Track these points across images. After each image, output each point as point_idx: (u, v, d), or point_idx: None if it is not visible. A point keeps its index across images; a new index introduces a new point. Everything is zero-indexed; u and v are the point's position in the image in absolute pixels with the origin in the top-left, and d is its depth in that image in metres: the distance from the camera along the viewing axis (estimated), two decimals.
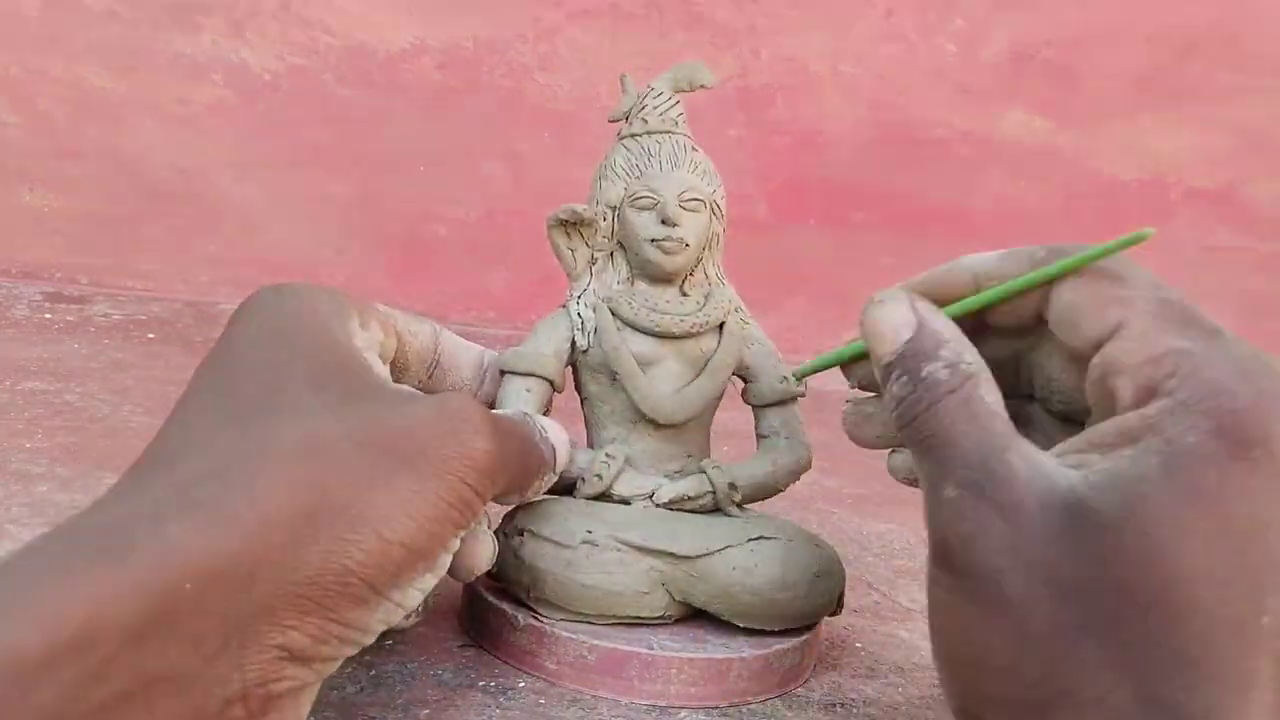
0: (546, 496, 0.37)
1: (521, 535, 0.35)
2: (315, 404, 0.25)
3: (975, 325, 0.29)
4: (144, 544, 0.20)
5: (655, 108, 0.39)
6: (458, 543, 0.26)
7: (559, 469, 0.32)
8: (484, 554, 0.30)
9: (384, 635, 0.36)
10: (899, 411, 0.26)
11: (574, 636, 0.33)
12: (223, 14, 1.04)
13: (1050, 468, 0.24)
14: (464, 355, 0.36)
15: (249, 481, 0.22)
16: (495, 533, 0.36)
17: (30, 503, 0.45)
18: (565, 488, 0.37)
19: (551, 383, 0.38)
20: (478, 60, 1.07)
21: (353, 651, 0.25)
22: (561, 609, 0.34)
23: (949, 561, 0.24)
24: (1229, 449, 0.22)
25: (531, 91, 1.08)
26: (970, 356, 0.26)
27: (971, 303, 0.28)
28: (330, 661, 0.24)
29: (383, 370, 0.28)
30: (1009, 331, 0.29)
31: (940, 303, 0.28)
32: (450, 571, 0.29)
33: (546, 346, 0.38)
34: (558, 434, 0.32)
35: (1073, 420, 0.28)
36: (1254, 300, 1.16)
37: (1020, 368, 0.31)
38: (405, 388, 0.28)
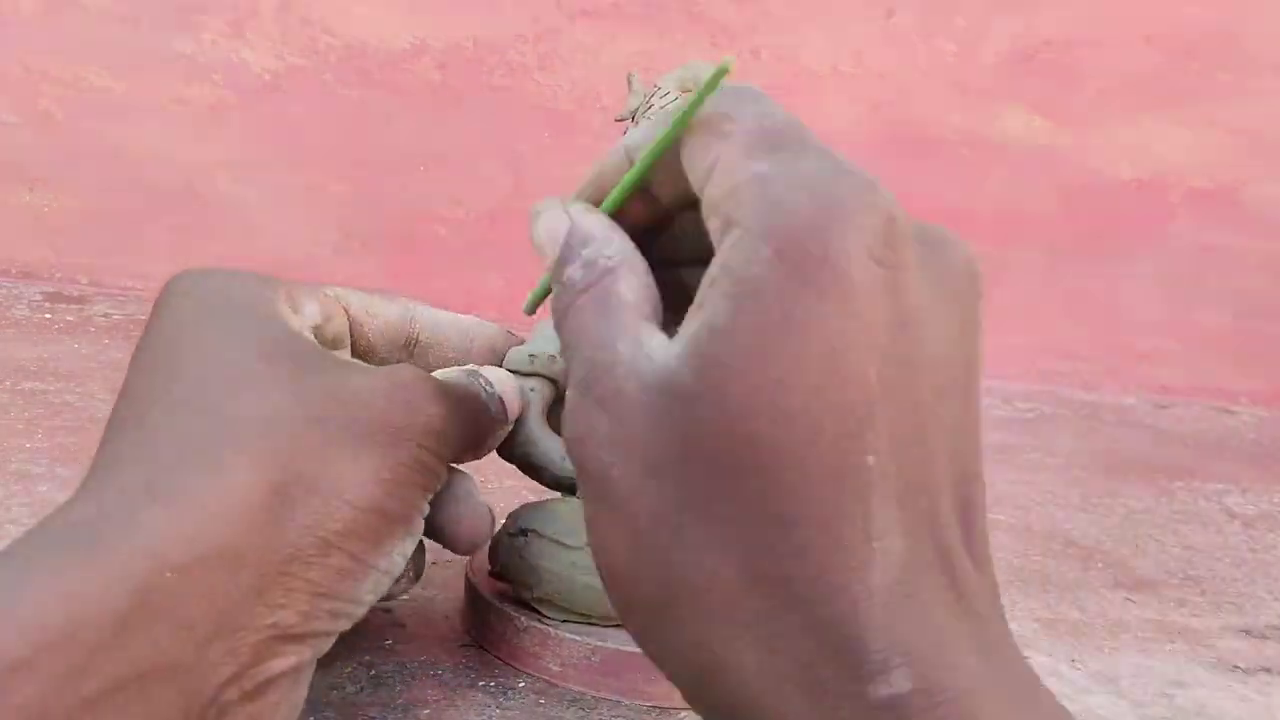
0: (549, 496, 0.37)
1: (525, 535, 0.35)
2: (266, 381, 0.25)
3: (656, 209, 0.26)
4: (119, 537, 0.21)
5: (663, 107, 0.39)
6: (427, 506, 0.28)
7: (510, 419, 0.33)
8: (483, 524, 0.30)
9: (384, 635, 0.36)
10: (556, 311, 0.25)
11: (578, 638, 0.33)
12: (223, 14, 1.03)
13: (657, 345, 0.22)
14: (447, 329, 0.35)
15: (215, 465, 0.22)
16: (500, 532, 0.36)
17: (30, 503, 0.45)
18: (568, 487, 0.37)
19: (555, 383, 0.38)
20: (478, 60, 1.07)
21: (346, 625, 0.25)
22: (565, 610, 0.34)
23: (576, 469, 0.23)
24: (792, 274, 0.19)
25: (531, 91, 1.08)
26: (612, 250, 0.24)
27: (625, 182, 0.25)
28: (325, 637, 0.24)
29: (321, 347, 0.28)
30: (684, 203, 0.26)
31: (606, 191, 0.26)
32: (451, 546, 0.29)
33: (550, 346, 0.38)
34: (505, 385, 0.32)
35: None
36: (1254, 300, 1.16)
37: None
38: (352, 360, 0.28)
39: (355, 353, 0.33)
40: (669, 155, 0.24)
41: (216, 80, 1.05)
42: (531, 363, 0.37)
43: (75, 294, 1.00)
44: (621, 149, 0.26)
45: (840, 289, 0.19)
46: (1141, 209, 1.14)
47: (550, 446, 0.37)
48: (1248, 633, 0.48)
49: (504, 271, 1.11)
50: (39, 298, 0.96)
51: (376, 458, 0.25)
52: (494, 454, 0.37)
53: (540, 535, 0.34)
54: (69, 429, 0.55)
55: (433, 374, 0.30)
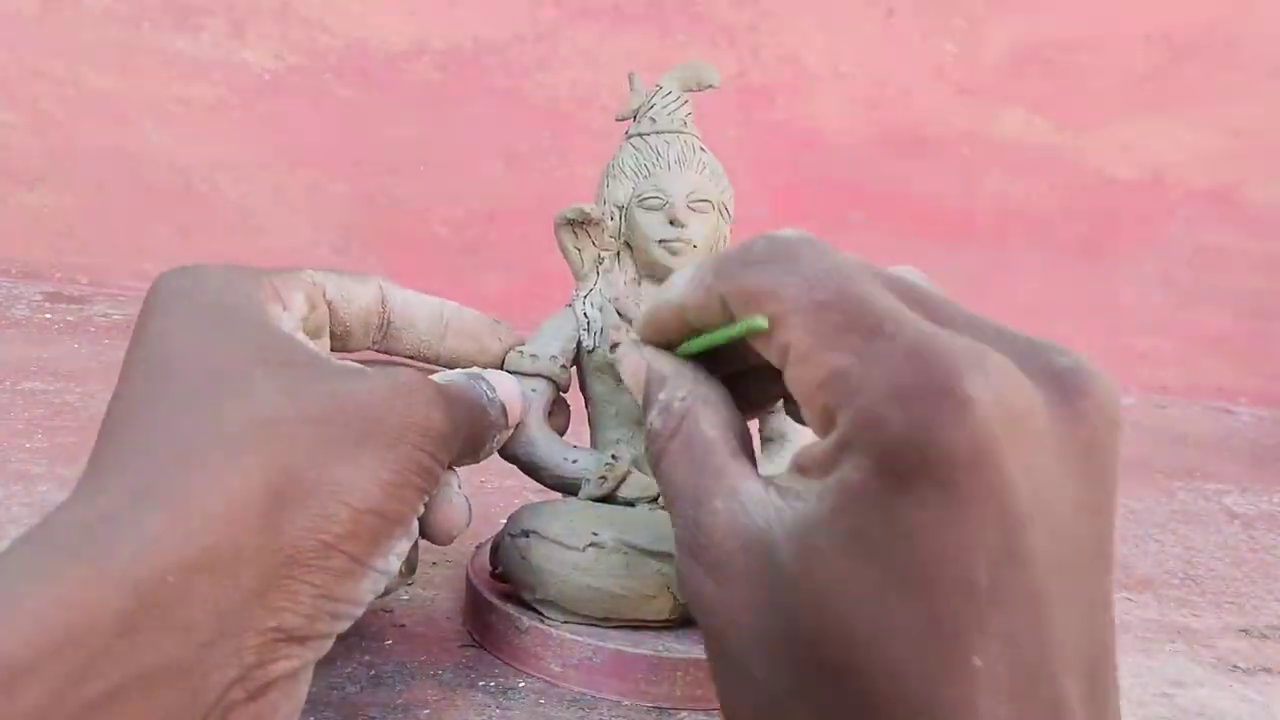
0: (552, 499, 0.37)
1: (527, 537, 0.35)
2: (265, 384, 0.24)
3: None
4: (120, 540, 0.20)
5: (664, 107, 0.39)
6: (423, 507, 0.27)
7: (512, 423, 0.33)
8: (460, 515, 0.30)
9: (384, 635, 0.36)
10: (649, 448, 0.25)
11: (579, 639, 0.33)
12: (223, 14, 1.03)
13: (756, 503, 0.21)
14: (419, 311, 0.34)
15: (213, 468, 0.22)
16: (501, 534, 0.36)
17: (30, 503, 0.45)
18: (572, 488, 0.37)
19: (555, 383, 0.38)
20: (478, 60, 1.07)
21: (346, 626, 0.25)
22: (567, 611, 0.34)
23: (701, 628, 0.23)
24: (892, 485, 0.19)
25: (531, 91, 1.08)
26: (683, 391, 0.24)
27: (686, 349, 0.26)
28: (326, 638, 0.24)
29: (317, 348, 0.28)
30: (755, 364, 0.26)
31: (664, 342, 0.27)
32: (430, 536, 0.30)
33: (552, 346, 0.38)
34: (508, 390, 0.32)
35: None
36: (1254, 300, 1.17)
37: None
38: (349, 363, 0.28)
39: (332, 337, 0.32)
40: (720, 318, 0.24)
41: (216, 80, 1.05)
42: (533, 363, 0.37)
43: (75, 294, 1.00)
44: (665, 300, 0.26)
45: (942, 497, 0.18)
46: (1141, 209, 1.14)
47: (551, 448, 0.37)
48: (1247, 633, 0.48)
49: (504, 271, 1.11)
50: (39, 298, 0.96)
51: (376, 460, 0.25)
52: (495, 454, 0.37)
53: (542, 537, 0.34)
54: (69, 429, 0.55)
55: (435, 376, 0.30)
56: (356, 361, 0.30)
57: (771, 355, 0.22)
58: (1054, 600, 0.19)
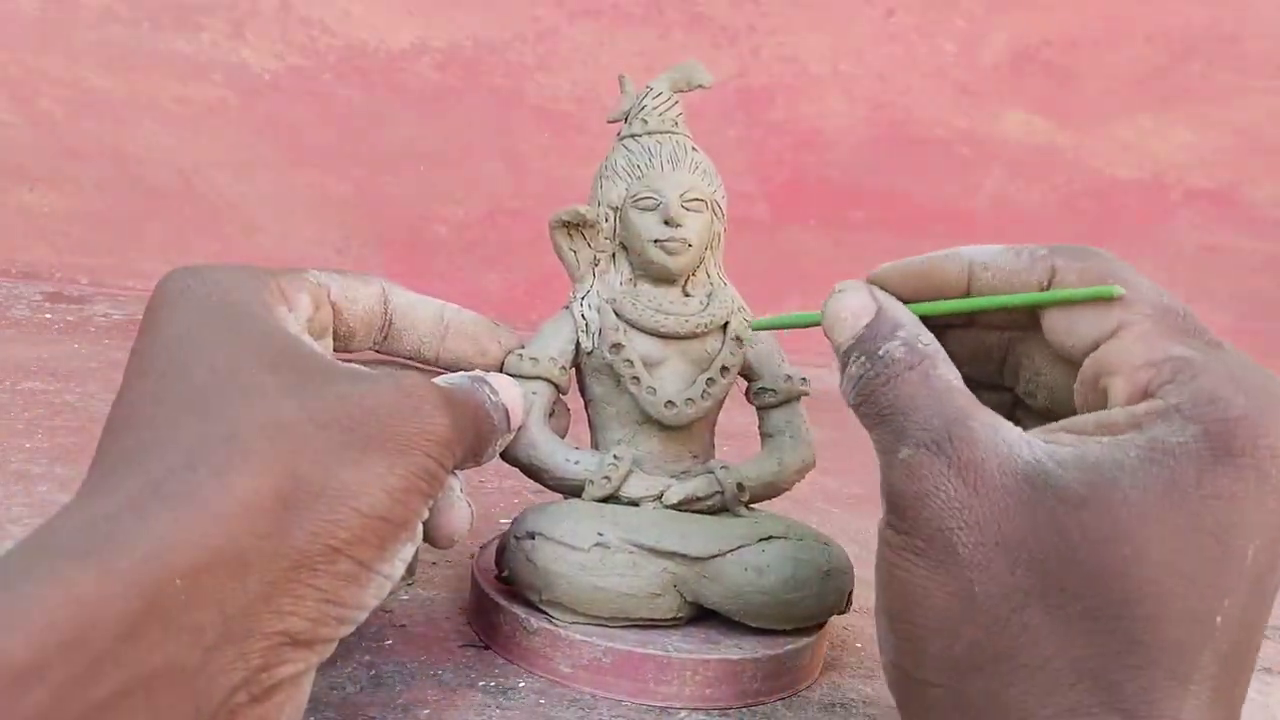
0: (556, 499, 0.37)
1: (533, 538, 0.35)
2: (272, 387, 0.24)
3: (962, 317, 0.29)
4: (127, 541, 0.20)
5: (655, 108, 0.39)
6: (427, 511, 0.27)
7: (515, 426, 0.33)
8: (462, 520, 0.30)
9: (384, 635, 0.36)
10: (857, 389, 0.27)
11: (588, 639, 0.33)
12: (223, 14, 1.04)
13: (1014, 437, 0.24)
14: (420, 312, 0.34)
15: (221, 471, 0.22)
16: (505, 535, 0.36)
17: (30, 503, 0.45)
18: (573, 489, 0.37)
19: (556, 385, 0.38)
20: (478, 60, 1.07)
21: (350, 630, 0.25)
22: (574, 612, 0.34)
23: (900, 519, 0.25)
24: (1213, 451, 0.22)
25: (531, 91, 1.08)
26: (926, 338, 0.27)
27: (954, 305, 0.28)
28: (330, 642, 0.25)
29: (322, 350, 0.28)
30: (997, 324, 0.30)
31: (930, 288, 0.28)
32: (432, 540, 0.29)
33: (551, 349, 0.38)
34: (510, 393, 0.32)
35: (1054, 418, 0.29)
36: (1254, 300, 1.16)
37: (1007, 357, 0.31)
38: (356, 367, 0.28)
39: (336, 337, 0.32)
40: (1024, 286, 0.27)
41: (216, 80, 1.05)
42: (532, 366, 0.37)
43: (75, 294, 1.00)
44: (962, 255, 0.28)
45: (1255, 477, 0.22)
46: (1141, 209, 1.14)
47: (552, 450, 0.37)
48: None
49: (504, 271, 1.11)
50: (39, 298, 0.96)
51: (383, 465, 0.25)
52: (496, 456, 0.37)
53: (548, 538, 0.34)
54: (69, 429, 0.55)
55: (439, 380, 0.30)
56: (358, 363, 0.30)
57: (1084, 329, 0.25)
58: (1268, 596, 0.23)
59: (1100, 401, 0.25)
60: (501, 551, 0.36)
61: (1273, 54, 1.11)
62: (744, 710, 0.34)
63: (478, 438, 0.30)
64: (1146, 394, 0.23)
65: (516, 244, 1.10)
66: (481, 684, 0.33)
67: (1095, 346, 0.25)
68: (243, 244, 1.08)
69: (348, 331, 0.32)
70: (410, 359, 0.35)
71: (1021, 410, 0.31)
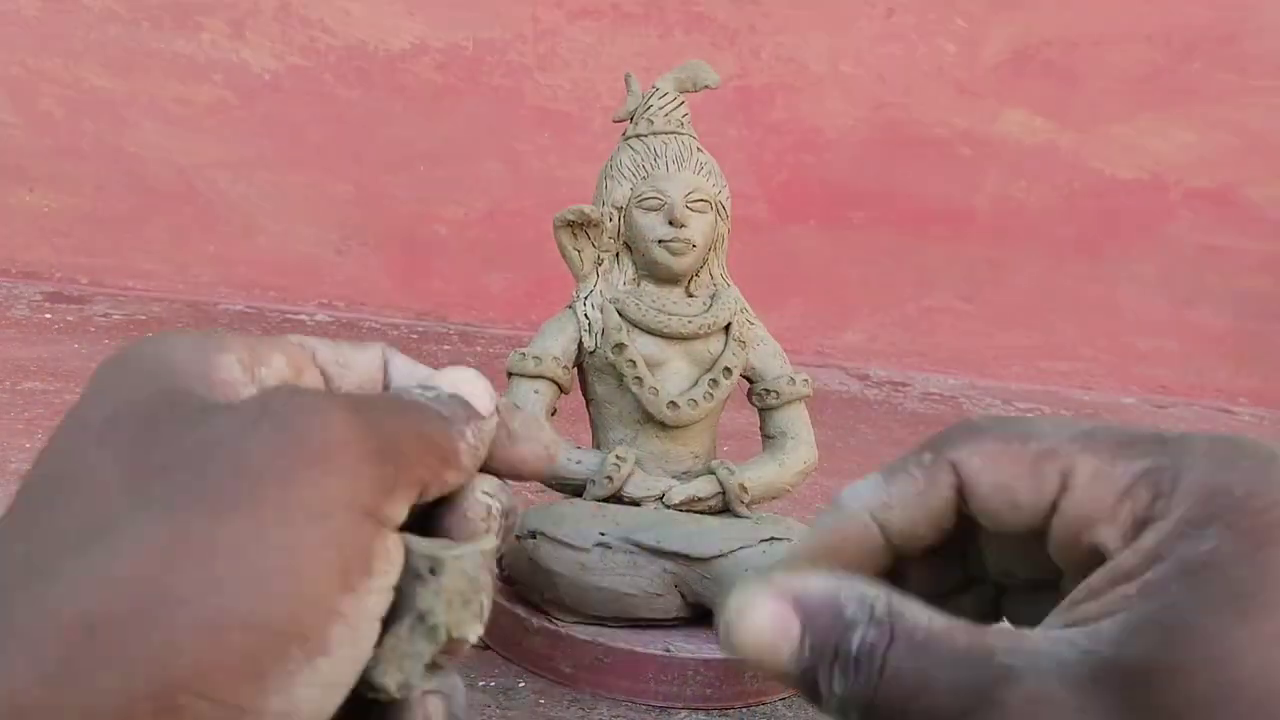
0: (557, 499, 0.37)
1: (534, 538, 0.35)
2: (124, 512, 0.17)
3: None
4: None
5: (661, 108, 0.39)
6: (374, 603, 0.18)
7: (486, 411, 0.22)
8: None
9: None
10: (853, 705, 0.21)
11: (589, 639, 0.33)
12: (223, 14, 1.03)
13: (1047, 644, 0.20)
14: (418, 377, 0.29)
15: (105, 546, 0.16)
16: None
17: None
18: (575, 489, 0.37)
19: (559, 384, 0.38)
20: (478, 60, 1.07)
21: None
22: (575, 611, 0.34)
23: None
24: (1252, 541, 0.19)
25: (531, 91, 1.08)
26: (872, 593, 0.21)
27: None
28: None
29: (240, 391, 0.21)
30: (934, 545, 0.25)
31: (850, 562, 0.24)
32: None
33: (554, 348, 0.38)
34: (457, 378, 0.23)
35: (1044, 585, 0.25)
36: (1254, 300, 1.17)
37: (966, 551, 0.26)
38: (248, 400, 0.20)
39: None
40: (945, 504, 0.23)
41: (216, 80, 1.05)
42: (535, 365, 0.37)
43: (75, 294, 1.00)
44: (853, 512, 0.23)
45: None
46: (1141, 209, 1.14)
47: None
48: None
49: (504, 271, 1.11)
50: (39, 298, 0.96)
51: (251, 539, 0.17)
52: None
53: (549, 538, 0.34)
54: None
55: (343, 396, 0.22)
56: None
57: (1025, 500, 0.22)
58: None
59: (1092, 558, 0.22)
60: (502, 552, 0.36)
61: (1273, 54, 1.11)
62: (744, 710, 0.33)
63: (433, 450, 0.21)
64: (1140, 525, 0.21)
65: (516, 244, 1.09)
66: (481, 684, 0.33)
67: (1051, 510, 0.22)
68: (243, 244, 1.08)
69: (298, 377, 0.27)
70: None
71: (1007, 597, 0.26)
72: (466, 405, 0.23)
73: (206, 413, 0.19)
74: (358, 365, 0.24)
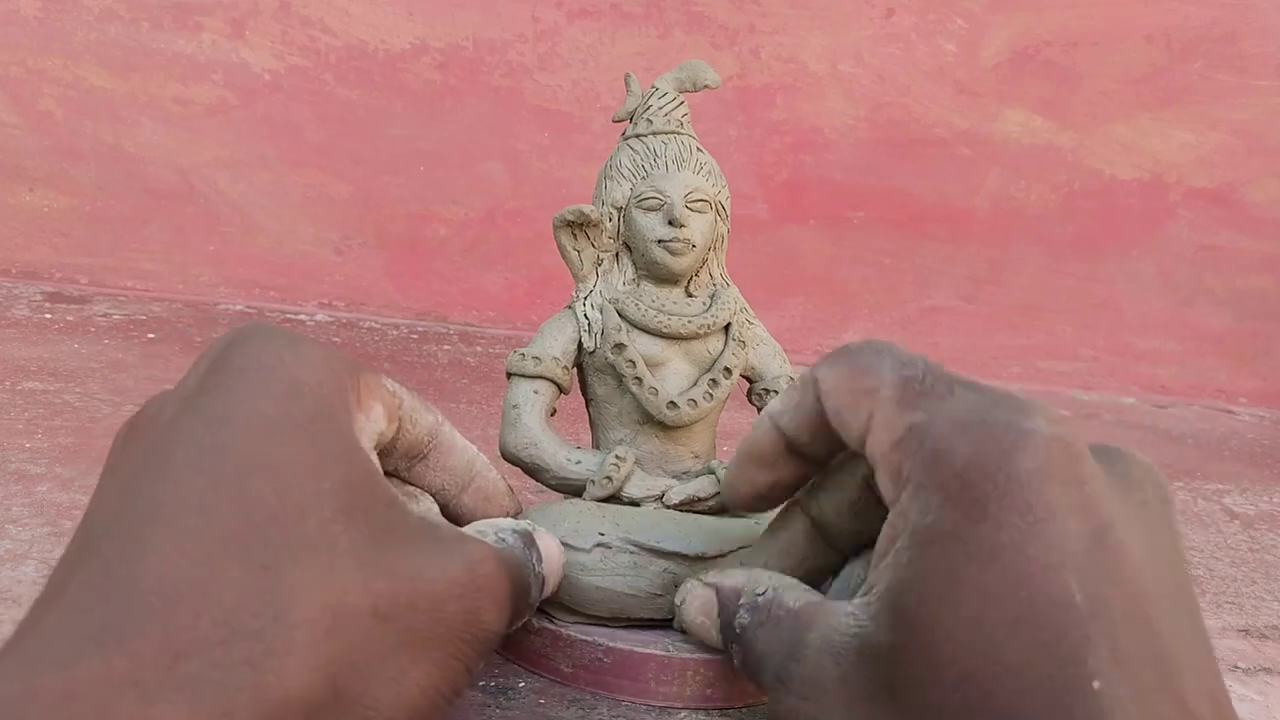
0: (557, 499, 0.37)
1: None
2: (343, 546, 0.21)
3: (808, 467, 0.28)
4: None
5: (660, 108, 0.39)
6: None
7: (547, 592, 0.31)
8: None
9: None
10: (743, 669, 0.26)
11: (589, 639, 0.33)
12: (223, 14, 1.03)
13: (842, 618, 0.22)
14: (455, 459, 0.31)
15: (258, 664, 0.18)
16: None
17: (30, 503, 0.44)
18: (575, 489, 0.37)
19: (558, 385, 0.38)
20: (478, 60, 1.07)
21: None
22: (575, 612, 0.34)
23: None
24: (966, 516, 0.19)
25: (531, 91, 1.08)
26: (761, 586, 0.26)
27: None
28: None
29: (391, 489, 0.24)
30: (832, 454, 0.28)
31: (753, 495, 0.29)
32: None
33: (554, 348, 0.38)
34: (551, 560, 0.30)
35: None
36: (1254, 300, 1.17)
37: None
38: (427, 519, 0.24)
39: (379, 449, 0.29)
40: (815, 416, 0.26)
41: (216, 80, 1.05)
42: (535, 365, 0.37)
43: (75, 294, 1.00)
44: (766, 422, 0.28)
45: (1016, 516, 0.19)
46: (1141, 209, 1.14)
47: (554, 449, 0.37)
48: (1247, 633, 0.48)
49: (504, 271, 1.11)
50: (39, 298, 0.96)
51: (431, 666, 0.22)
52: (496, 452, 0.37)
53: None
54: (69, 429, 0.55)
55: (490, 533, 0.27)
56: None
57: (852, 430, 0.24)
58: (1159, 619, 0.19)
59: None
60: None
61: (1273, 54, 1.11)
62: (744, 710, 0.33)
63: (516, 616, 0.27)
64: (899, 479, 0.21)
65: (516, 244, 1.09)
66: (481, 684, 0.33)
67: (863, 447, 0.24)
68: (243, 244, 1.08)
69: (388, 450, 0.29)
70: (423, 489, 0.32)
71: None
72: (541, 589, 0.29)
73: (409, 526, 0.23)
74: (422, 424, 0.28)
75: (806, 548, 0.28)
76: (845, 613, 0.22)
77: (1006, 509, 0.19)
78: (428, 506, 0.31)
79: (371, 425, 0.25)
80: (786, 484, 0.28)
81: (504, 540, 0.28)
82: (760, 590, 0.26)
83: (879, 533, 0.23)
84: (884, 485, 0.22)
